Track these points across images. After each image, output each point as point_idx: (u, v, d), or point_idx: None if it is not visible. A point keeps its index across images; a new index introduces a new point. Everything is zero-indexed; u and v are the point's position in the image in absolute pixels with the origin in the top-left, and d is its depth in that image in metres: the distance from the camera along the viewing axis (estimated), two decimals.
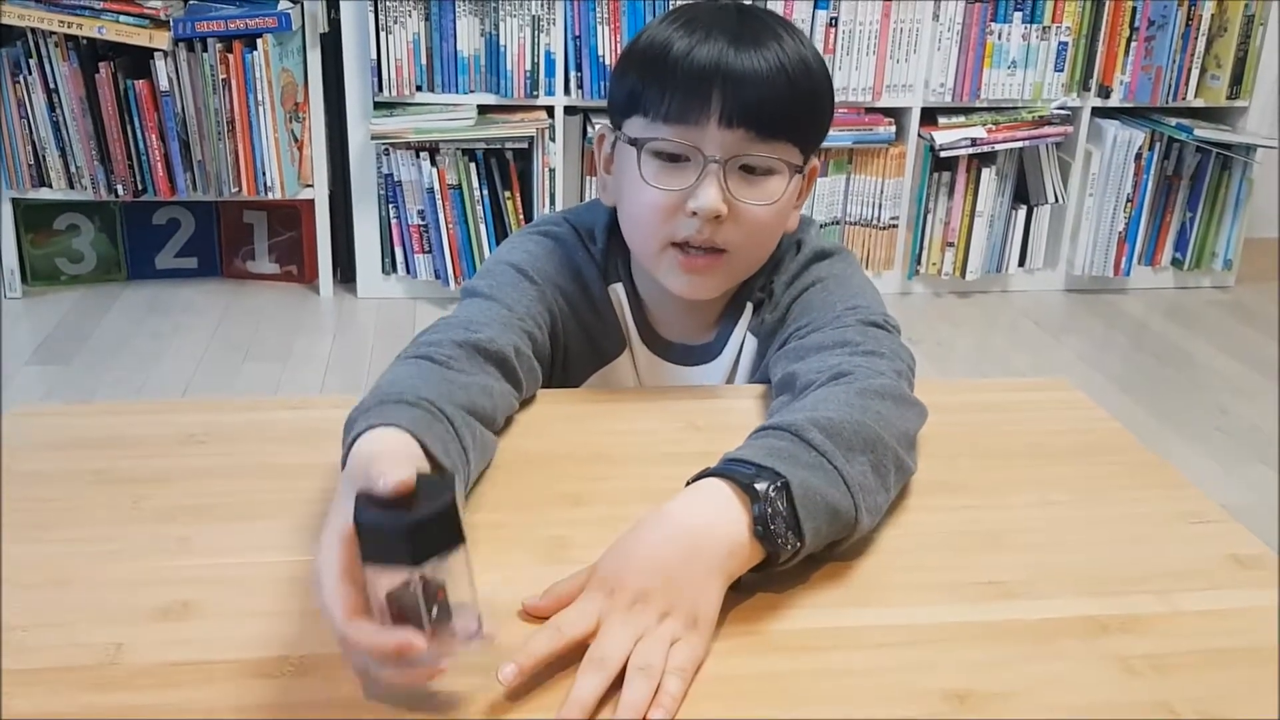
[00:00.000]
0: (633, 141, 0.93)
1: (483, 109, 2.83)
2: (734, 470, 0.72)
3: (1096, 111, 3.07)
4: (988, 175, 3.04)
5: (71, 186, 2.79)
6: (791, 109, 0.91)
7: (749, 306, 1.02)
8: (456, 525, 0.59)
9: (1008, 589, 0.74)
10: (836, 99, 1.02)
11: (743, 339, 1.03)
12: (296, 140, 2.87)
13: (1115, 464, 0.90)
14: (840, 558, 0.75)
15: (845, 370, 0.86)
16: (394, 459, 0.65)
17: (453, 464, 0.74)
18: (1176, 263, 3.25)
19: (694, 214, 0.91)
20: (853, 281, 1.00)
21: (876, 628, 0.70)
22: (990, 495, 0.85)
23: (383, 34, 2.74)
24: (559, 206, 2.88)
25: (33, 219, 2.89)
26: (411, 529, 0.57)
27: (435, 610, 0.59)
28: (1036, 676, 0.66)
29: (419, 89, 2.81)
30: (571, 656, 0.64)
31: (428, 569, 0.58)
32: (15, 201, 2.82)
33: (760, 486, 0.70)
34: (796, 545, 0.71)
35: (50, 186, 2.79)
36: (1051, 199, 3.10)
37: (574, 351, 1.04)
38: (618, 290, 1.04)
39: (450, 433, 0.77)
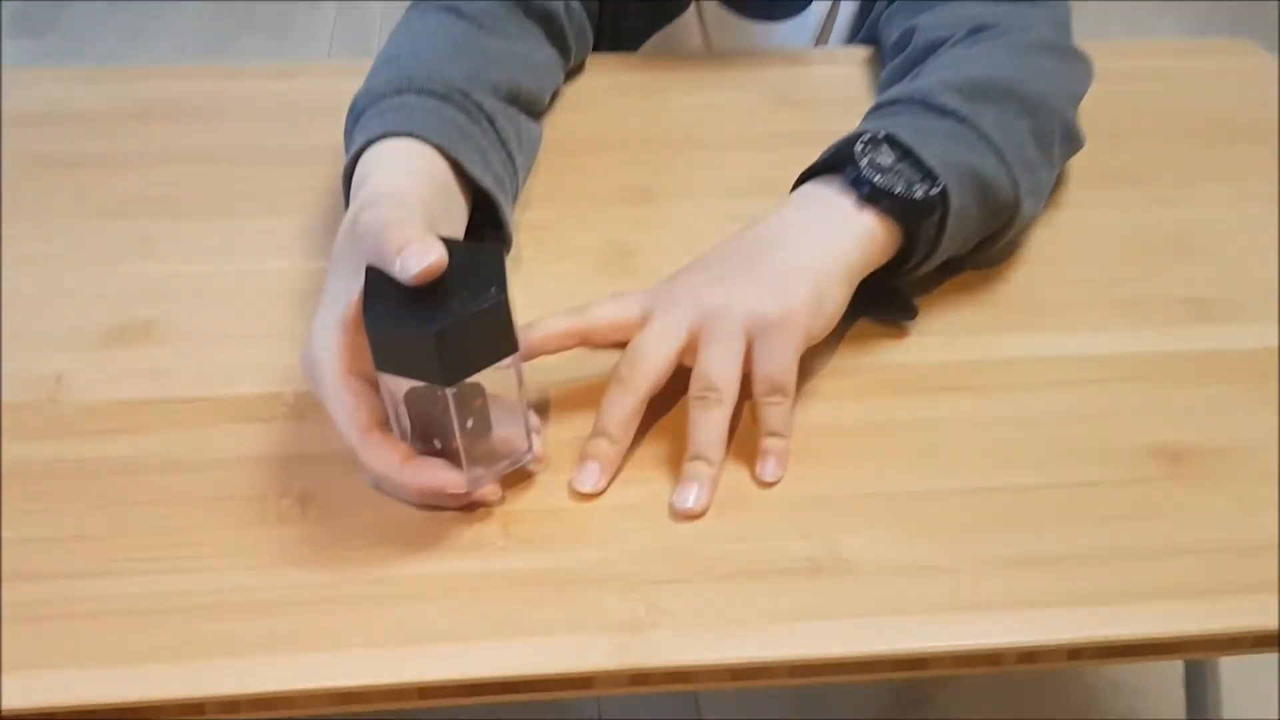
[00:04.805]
0: None
1: None
2: (821, 159, 0.59)
3: None
4: None
5: None
6: None
7: None
8: (508, 330, 0.43)
9: (1208, 308, 0.60)
10: None
11: None
12: None
13: None
14: (985, 265, 0.62)
15: (988, 23, 0.71)
16: (413, 221, 0.46)
17: (496, 181, 0.60)
18: None
19: None
20: None
21: (1041, 360, 0.57)
22: (1171, 186, 0.71)
23: None
24: None
25: None
26: (441, 338, 0.41)
27: (471, 421, 0.45)
28: (1266, 427, 0.52)
29: None
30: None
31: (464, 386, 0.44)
32: None
33: (853, 150, 0.57)
34: (929, 191, 0.55)
35: None
36: None
37: (628, 8, 0.89)
38: None
39: (491, 136, 0.63)
